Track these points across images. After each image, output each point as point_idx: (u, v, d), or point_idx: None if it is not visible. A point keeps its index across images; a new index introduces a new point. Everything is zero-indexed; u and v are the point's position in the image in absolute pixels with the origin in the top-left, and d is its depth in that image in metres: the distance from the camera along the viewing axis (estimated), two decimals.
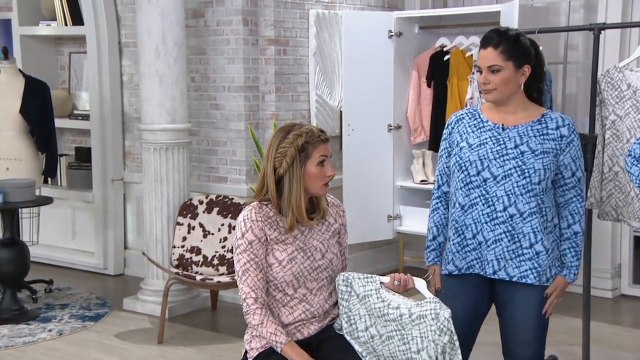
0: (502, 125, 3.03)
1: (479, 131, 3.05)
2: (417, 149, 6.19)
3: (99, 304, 5.69)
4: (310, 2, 5.92)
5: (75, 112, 6.83)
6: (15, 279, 5.45)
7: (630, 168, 3.10)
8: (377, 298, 2.81)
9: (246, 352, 2.95)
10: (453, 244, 3.11)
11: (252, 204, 2.88)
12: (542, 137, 2.99)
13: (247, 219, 2.83)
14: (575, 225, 3.08)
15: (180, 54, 5.34)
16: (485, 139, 3.03)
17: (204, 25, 5.75)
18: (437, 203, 3.21)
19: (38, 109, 5.73)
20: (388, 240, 6.37)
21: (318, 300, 2.91)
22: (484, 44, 3.00)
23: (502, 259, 3.02)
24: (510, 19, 5.04)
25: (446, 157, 3.16)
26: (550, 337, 3.17)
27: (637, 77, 3.86)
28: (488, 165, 2.99)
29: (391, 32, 5.97)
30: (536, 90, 3.09)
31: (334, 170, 2.89)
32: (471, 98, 5.32)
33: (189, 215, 5.29)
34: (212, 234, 5.24)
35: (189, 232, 5.25)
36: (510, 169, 2.97)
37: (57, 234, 6.75)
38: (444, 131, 3.19)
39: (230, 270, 5.09)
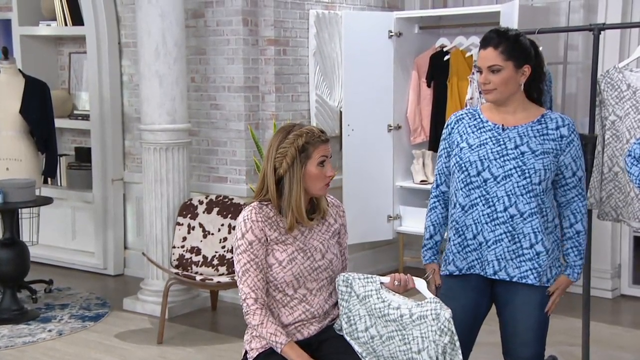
0: (502, 125, 3.03)
1: (479, 131, 3.05)
2: (417, 149, 6.20)
3: (98, 304, 5.69)
4: (310, 2, 5.92)
5: (75, 112, 6.83)
6: (15, 279, 5.45)
7: (630, 168, 3.10)
8: (378, 298, 2.81)
9: (246, 352, 2.95)
10: (453, 245, 3.11)
11: (252, 205, 2.88)
12: (542, 137, 2.99)
13: (247, 219, 2.83)
14: (578, 224, 3.08)
15: (180, 54, 5.34)
16: (486, 139, 3.03)
17: (204, 26, 5.75)
18: (434, 202, 3.22)
19: (38, 109, 5.73)
20: (388, 241, 6.37)
21: (318, 300, 2.91)
22: (484, 44, 3.00)
23: (502, 259, 3.02)
24: (510, 19, 5.04)
25: (445, 157, 3.16)
26: (550, 338, 3.17)
27: (636, 77, 3.86)
28: (488, 166, 2.99)
29: (391, 32, 5.97)
30: (536, 90, 3.09)
31: (334, 171, 2.89)
32: (471, 98, 5.32)
33: (189, 215, 5.29)
34: (212, 234, 5.24)
35: (188, 232, 5.25)
36: (510, 169, 2.97)
37: (57, 234, 6.75)
38: (444, 131, 3.19)
39: (230, 271, 5.09)
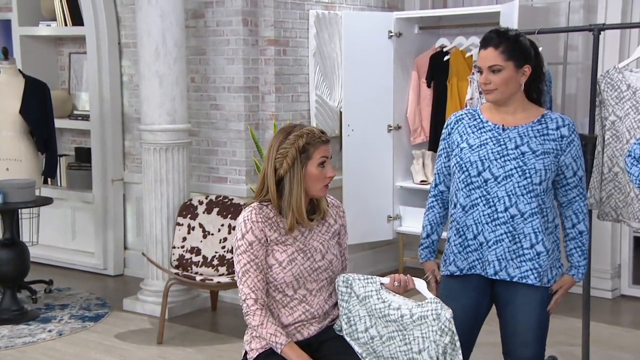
0: (502, 125, 3.03)
1: (479, 132, 3.05)
2: (417, 150, 6.20)
3: (98, 305, 5.69)
4: (310, 3, 5.92)
5: (75, 112, 6.83)
6: (15, 280, 5.44)
7: (630, 168, 3.10)
8: (378, 299, 2.81)
9: (246, 352, 2.95)
10: (454, 245, 3.11)
11: (252, 205, 2.88)
12: (542, 137, 2.99)
13: (248, 220, 2.83)
14: (580, 224, 3.09)
15: (180, 55, 5.34)
16: (486, 139, 3.03)
17: (204, 26, 5.75)
18: (432, 201, 3.23)
19: (38, 109, 5.73)
20: (388, 241, 6.37)
21: (318, 301, 2.91)
22: (484, 44, 3.00)
23: (503, 259, 3.02)
24: (510, 20, 5.04)
25: (444, 157, 3.17)
26: (550, 338, 3.17)
27: (636, 77, 3.86)
28: (489, 166, 3.00)
29: (391, 32, 5.97)
30: (535, 90, 3.09)
31: (334, 172, 2.89)
32: (471, 98, 5.33)
33: (189, 215, 5.29)
34: (212, 234, 5.24)
35: (188, 233, 5.25)
36: (511, 169, 2.97)
37: (57, 235, 6.75)
38: (443, 131, 3.19)
39: (230, 271, 5.09)
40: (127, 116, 6.43)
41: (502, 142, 3.00)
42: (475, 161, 3.01)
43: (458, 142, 3.08)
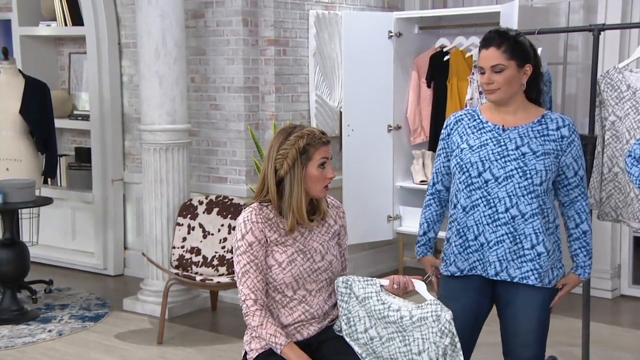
0: (503, 126, 3.03)
1: (479, 132, 3.05)
2: (417, 150, 6.20)
3: (98, 305, 5.69)
4: (310, 3, 5.92)
5: (75, 112, 6.83)
6: (15, 280, 5.44)
7: (631, 169, 3.10)
8: (377, 300, 2.81)
9: (246, 353, 2.95)
10: (455, 246, 3.11)
11: (252, 205, 2.88)
12: (542, 138, 2.99)
13: (247, 220, 2.83)
14: (583, 224, 3.10)
15: (180, 55, 5.34)
16: (486, 140, 3.03)
17: (204, 26, 5.75)
18: (430, 200, 3.25)
19: (38, 109, 5.73)
20: (388, 241, 6.37)
21: (317, 301, 2.91)
22: (486, 44, 3.00)
23: (504, 260, 3.02)
24: (510, 20, 5.04)
25: (443, 157, 3.17)
26: (550, 338, 3.17)
27: (636, 78, 3.87)
28: (489, 167, 2.99)
29: (391, 32, 5.97)
30: (535, 90, 3.09)
31: (334, 172, 2.90)
32: (471, 99, 5.33)
33: (189, 215, 5.29)
34: (212, 234, 5.24)
35: (188, 233, 5.25)
36: (511, 170, 2.97)
37: (57, 235, 6.75)
38: (442, 131, 3.19)
39: (230, 271, 5.09)
40: (127, 116, 6.43)
41: (502, 143, 3.00)
42: (476, 162, 3.01)
43: (458, 143, 3.08)
